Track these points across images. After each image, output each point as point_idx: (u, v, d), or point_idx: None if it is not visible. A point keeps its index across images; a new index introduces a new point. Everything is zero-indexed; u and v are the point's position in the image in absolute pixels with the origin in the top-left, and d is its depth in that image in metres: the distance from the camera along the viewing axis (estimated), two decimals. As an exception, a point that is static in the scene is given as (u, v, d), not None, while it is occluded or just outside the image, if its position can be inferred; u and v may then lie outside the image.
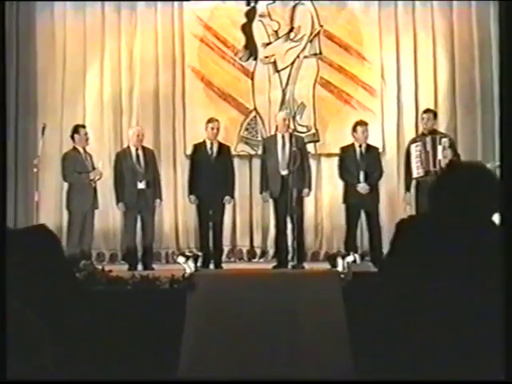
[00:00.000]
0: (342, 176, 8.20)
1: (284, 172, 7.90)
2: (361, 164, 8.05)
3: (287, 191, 7.78)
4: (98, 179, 8.04)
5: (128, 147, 8.27)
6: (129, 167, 8.08)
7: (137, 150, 8.16)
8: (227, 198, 8.16)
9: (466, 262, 2.47)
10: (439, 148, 7.87)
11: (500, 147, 2.69)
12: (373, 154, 8.19)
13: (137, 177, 8.04)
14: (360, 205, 8.02)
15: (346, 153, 8.20)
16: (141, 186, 8.03)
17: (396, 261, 2.71)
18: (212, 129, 8.21)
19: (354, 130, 8.16)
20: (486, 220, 2.46)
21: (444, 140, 7.95)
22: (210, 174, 8.06)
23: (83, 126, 8.22)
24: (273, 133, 8.80)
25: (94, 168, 8.00)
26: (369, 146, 8.18)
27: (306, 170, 8.06)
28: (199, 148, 8.30)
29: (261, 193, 8.20)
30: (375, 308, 3.25)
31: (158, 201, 8.22)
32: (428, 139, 7.93)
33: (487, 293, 2.54)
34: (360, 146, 8.12)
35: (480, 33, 9.24)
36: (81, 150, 8.02)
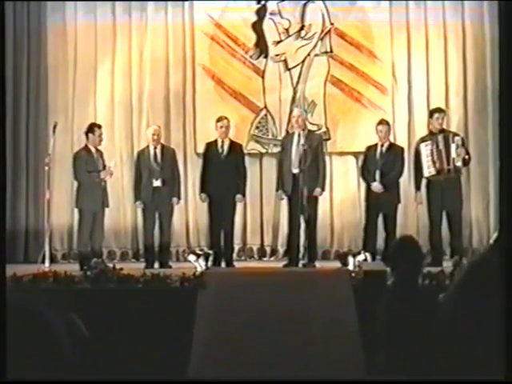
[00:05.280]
0: (362, 175, 8.21)
1: (295, 170, 7.88)
2: (379, 163, 8.02)
3: (298, 189, 7.76)
4: (109, 178, 8.05)
5: (147, 146, 8.32)
6: (146, 165, 8.15)
7: (155, 148, 8.21)
8: (238, 196, 8.16)
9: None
10: (453, 146, 7.83)
11: (500, 147, 2.69)
12: (394, 153, 8.11)
13: (153, 175, 8.08)
14: (378, 204, 7.98)
15: (369, 152, 8.18)
16: (156, 183, 8.07)
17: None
18: (221, 127, 8.22)
19: (376, 129, 8.15)
20: None
21: (457, 138, 7.91)
22: (221, 172, 8.06)
23: (99, 126, 8.13)
24: (283, 131, 8.79)
25: (104, 167, 8.00)
26: (391, 145, 8.15)
27: (321, 169, 7.98)
28: (211, 146, 8.31)
29: (277, 190, 8.19)
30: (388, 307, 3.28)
31: (174, 199, 8.24)
32: (440, 138, 7.88)
33: (488, 297, 2.56)
34: (382, 145, 8.09)
35: (491, 31, 9.18)
36: (92, 150, 8.01)
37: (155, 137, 8.22)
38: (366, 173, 8.14)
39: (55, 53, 9.40)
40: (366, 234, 8.04)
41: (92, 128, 8.06)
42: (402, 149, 8.30)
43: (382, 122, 8.20)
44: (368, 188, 8.12)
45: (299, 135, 7.99)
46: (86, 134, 8.04)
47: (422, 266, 4.01)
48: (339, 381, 2.83)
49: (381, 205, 7.98)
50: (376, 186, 7.95)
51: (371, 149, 8.17)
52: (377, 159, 8.04)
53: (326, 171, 8.24)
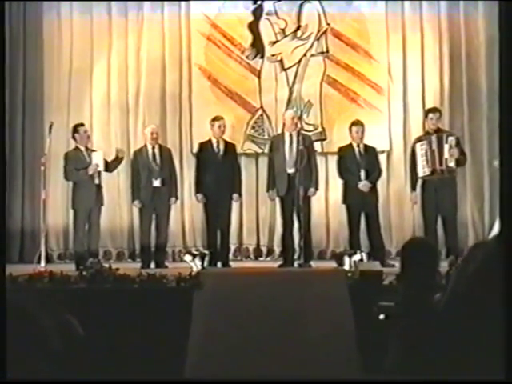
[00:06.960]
0: (341, 175, 8.21)
1: (290, 170, 7.90)
2: (361, 163, 8.07)
3: (293, 190, 7.78)
4: (98, 173, 7.99)
5: (145, 146, 8.34)
6: (144, 165, 8.17)
7: (153, 148, 8.25)
8: (235, 196, 8.17)
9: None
10: (446, 146, 7.84)
11: (500, 147, 2.70)
12: (371, 154, 8.22)
13: (152, 174, 8.11)
14: (360, 204, 8.02)
15: (344, 152, 8.22)
16: (156, 183, 8.10)
17: None
18: (219, 127, 8.24)
19: (350, 130, 8.18)
20: None
21: (451, 138, 7.92)
22: (217, 172, 8.07)
23: (82, 125, 8.20)
24: (280, 131, 8.79)
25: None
26: (366, 146, 8.19)
27: (313, 168, 8.04)
28: (205, 146, 8.32)
29: (267, 191, 8.21)
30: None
31: (173, 199, 8.27)
32: (433, 138, 7.90)
33: (489, 297, 2.57)
34: (358, 146, 8.13)
35: (487, 31, 9.20)
36: (82, 148, 8.03)
37: (154, 135, 8.26)
38: (347, 173, 8.13)
39: (51, 52, 9.39)
40: (353, 235, 8.05)
41: (75, 129, 8.13)
42: (375, 149, 8.38)
43: (358, 123, 8.22)
44: (347, 188, 8.13)
45: (291, 135, 8.03)
46: (73, 136, 8.11)
47: (436, 268, 4.03)
48: (335, 381, 2.83)
49: (364, 204, 8.01)
50: (365, 184, 7.98)
51: (347, 149, 8.21)
52: (358, 159, 8.08)
53: (318, 171, 8.25)
